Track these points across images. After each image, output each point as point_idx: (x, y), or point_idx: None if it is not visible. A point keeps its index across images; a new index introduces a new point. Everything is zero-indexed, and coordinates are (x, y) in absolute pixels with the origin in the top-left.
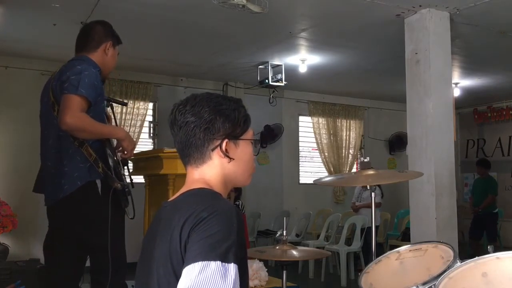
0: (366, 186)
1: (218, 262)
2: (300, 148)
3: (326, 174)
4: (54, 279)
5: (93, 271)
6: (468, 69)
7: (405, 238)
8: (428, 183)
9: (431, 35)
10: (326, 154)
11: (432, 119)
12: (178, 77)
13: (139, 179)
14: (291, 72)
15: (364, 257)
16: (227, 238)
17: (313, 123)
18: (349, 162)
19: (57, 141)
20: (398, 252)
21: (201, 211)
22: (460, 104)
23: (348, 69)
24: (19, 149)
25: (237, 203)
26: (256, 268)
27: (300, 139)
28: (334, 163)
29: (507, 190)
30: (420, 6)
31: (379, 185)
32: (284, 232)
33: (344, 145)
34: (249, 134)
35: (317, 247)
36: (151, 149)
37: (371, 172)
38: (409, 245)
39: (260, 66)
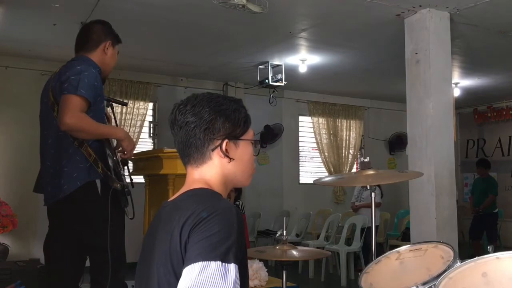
0: (366, 186)
1: (218, 262)
2: (300, 148)
3: (326, 174)
4: (54, 279)
5: (93, 271)
6: (468, 69)
7: (405, 238)
8: (428, 183)
9: (431, 35)
10: (326, 154)
11: (432, 119)
12: (178, 77)
13: (139, 179)
14: (291, 72)
15: (364, 257)
16: (227, 238)
17: (313, 123)
18: (349, 162)
19: (56, 141)
20: (398, 252)
21: (201, 211)
22: (460, 104)
23: (348, 69)
24: (19, 149)
25: (237, 203)
26: (256, 268)
27: (300, 139)
28: (334, 163)
29: (507, 190)
30: (420, 6)
31: (379, 185)
32: (284, 232)
33: (344, 145)
34: (249, 134)
35: (317, 247)
36: (151, 149)
37: (371, 172)
38: (409, 245)
39: (260, 66)
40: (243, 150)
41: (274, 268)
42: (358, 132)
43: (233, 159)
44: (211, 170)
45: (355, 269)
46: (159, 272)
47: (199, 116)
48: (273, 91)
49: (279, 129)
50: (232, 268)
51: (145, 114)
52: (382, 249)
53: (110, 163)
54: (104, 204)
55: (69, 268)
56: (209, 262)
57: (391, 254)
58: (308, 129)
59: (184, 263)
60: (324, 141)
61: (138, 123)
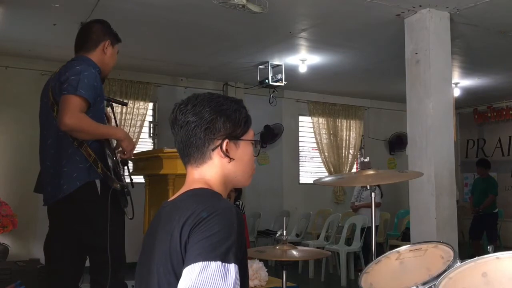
0: (366, 186)
1: (219, 262)
2: (300, 148)
3: (326, 174)
4: (54, 279)
5: (93, 271)
6: (468, 69)
7: (405, 238)
8: (428, 183)
9: (431, 35)
10: (326, 154)
11: (432, 119)
12: (178, 77)
13: (139, 179)
14: (291, 72)
15: (364, 257)
16: (227, 238)
17: (313, 123)
18: (349, 162)
19: (56, 141)
20: (398, 252)
21: (201, 211)
22: (460, 104)
23: (348, 69)
24: (19, 149)
25: (237, 203)
26: (256, 268)
27: (300, 139)
28: (334, 163)
29: (507, 190)
30: (420, 6)
31: (378, 185)
32: (284, 232)
33: (344, 145)
34: (249, 134)
35: (317, 247)
36: (151, 149)
37: (371, 172)
38: (409, 245)
39: (260, 66)
40: (244, 150)
41: (274, 268)
42: (358, 132)
43: (233, 159)
44: (211, 170)
45: (355, 269)
46: (159, 272)
47: (200, 116)
48: (273, 91)
49: (279, 129)
50: (232, 268)
51: (145, 114)
52: (382, 249)
53: (110, 163)
54: (103, 204)
55: (69, 268)
56: (209, 262)
57: (391, 254)
58: (308, 129)
59: (184, 263)
60: (324, 141)
61: (138, 123)
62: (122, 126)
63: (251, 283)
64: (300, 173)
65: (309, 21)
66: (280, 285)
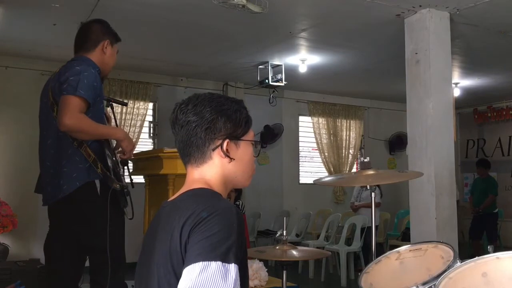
0: (366, 186)
1: (219, 262)
2: (300, 148)
3: (326, 174)
4: (53, 279)
5: (92, 271)
6: (468, 69)
7: (405, 238)
8: (428, 183)
9: (431, 35)
10: (326, 154)
11: (432, 119)
12: (178, 77)
13: (139, 179)
14: (291, 72)
15: (364, 257)
16: (227, 238)
17: (313, 123)
18: (349, 162)
19: (56, 142)
20: (398, 252)
21: (201, 211)
22: (460, 104)
23: (348, 69)
24: (19, 149)
25: (237, 203)
26: (256, 268)
27: (300, 139)
28: (334, 163)
29: (507, 190)
30: (420, 6)
31: (378, 185)
32: (284, 232)
33: (344, 145)
34: (250, 135)
35: (317, 247)
36: (151, 149)
37: (371, 172)
38: (409, 245)
39: (260, 66)
40: (244, 150)
41: (274, 268)
42: (358, 132)
43: (234, 159)
44: (212, 170)
45: (355, 269)
46: (159, 272)
47: (201, 116)
48: (273, 91)
49: (279, 129)
50: (233, 268)
51: (145, 114)
52: (382, 249)
53: (109, 164)
54: (103, 204)
55: (68, 268)
56: (209, 262)
57: (391, 254)
58: (308, 129)
59: (184, 263)
60: (324, 141)
61: (138, 123)
62: (122, 126)
63: (251, 283)
64: (300, 173)
65: (309, 21)
66: (280, 285)
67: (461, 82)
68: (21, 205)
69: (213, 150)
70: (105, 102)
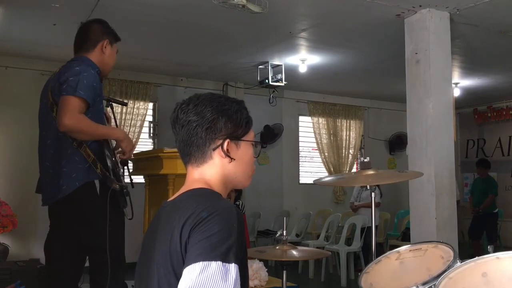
0: (366, 186)
1: (219, 262)
2: (300, 148)
3: (326, 174)
4: (53, 279)
5: (92, 271)
6: (468, 69)
7: (405, 238)
8: (428, 183)
9: (431, 35)
10: (326, 154)
11: (432, 119)
12: (178, 77)
13: (139, 179)
14: (291, 72)
15: (364, 257)
16: (227, 238)
17: (313, 123)
18: (349, 162)
19: (55, 142)
20: (398, 252)
21: (201, 211)
22: (460, 104)
23: (348, 69)
24: (19, 149)
25: (237, 203)
26: (256, 268)
27: (300, 139)
28: (334, 163)
29: (507, 190)
30: (420, 6)
31: (378, 185)
32: (284, 232)
33: (344, 145)
34: (250, 135)
35: (317, 247)
36: (151, 149)
37: (371, 172)
38: (409, 245)
39: (260, 66)
40: (244, 151)
41: (274, 268)
42: (358, 132)
43: (234, 159)
44: (212, 170)
45: (355, 269)
46: (159, 272)
47: (202, 115)
48: (273, 91)
49: (279, 129)
50: (233, 268)
51: (145, 114)
52: (382, 249)
53: (109, 164)
54: (103, 204)
55: (68, 268)
56: (209, 262)
57: (391, 254)
58: (308, 129)
59: (184, 263)
60: (324, 141)
61: (138, 123)
62: (122, 126)
63: (251, 283)
64: (300, 173)
65: (309, 21)
66: (280, 285)
67: (461, 82)
68: (21, 205)
69: (214, 150)
70: (105, 102)
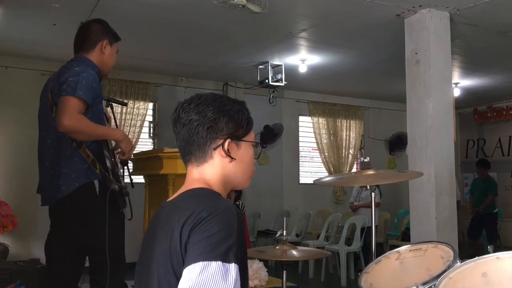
0: (366, 186)
1: (219, 262)
2: (300, 148)
3: (326, 174)
4: (53, 279)
5: (92, 271)
6: (468, 69)
7: (405, 238)
8: (428, 183)
9: (431, 35)
10: (326, 154)
11: (432, 119)
12: (178, 77)
13: (139, 179)
14: (291, 72)
15: (364, 257)
16: (227, 238)
17: (313, 123)
18: (349, 162)
19: (55, 142)
20: (398, 252)
21: (201, 211)
22: (460, 104)
23: (348, 69)
24: (19, 149)
25: (237, 203)
26: (256, 268)
27: (300, 139)
28: (334, 163)
29: (507, 190)
30: (420, 6)
31: (377, 185)
32: (284, 232)
33: (344, 145)
34: (251, 136)
35: (317, 247)
36: (151, 149)
37: (371, 172)
38: (409, 245)
39: (260, 66)
40: (244, 151)
41: (274, 268)
42: (358, 132)
43: (234, 159)
44: (212, 170)
45: (355, 269)
46: (159, 272)
47: (203, 115)
48: (273, 91)
49: (279, 129)
50: (233, 268)
51: (145, 114)
52: (382, 249)
53: (108, 164)
54: (102, 204)
55: (68, 268)
56: (209, 262)
57: (391, 254)
58: (308, 129)
59: (184, 263)
60: (324, 141)
61: (138, 123)
62: (122, 126)
63: (251, 283)
64: (300, 173)
65: (309, 21)
66: (280, 285)
67: (461, 82)
68: (21, 205)
69: (214, 149)
70: (105, 102)
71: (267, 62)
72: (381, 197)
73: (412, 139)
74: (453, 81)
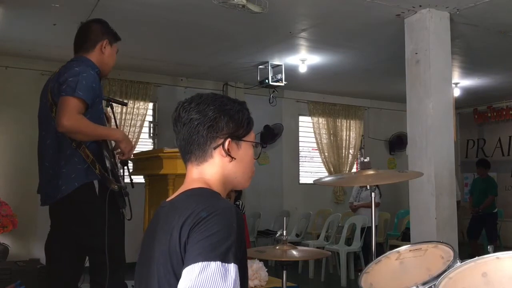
0: (366, 186)
1: (218, 263)
2: (300, 148)
3: (326, 174)
4: (53, 279)
5: (92, 271)
6: (468, 69)
7: (405, 238)
8: (428, 183)
9: (431, 35)
10: (326, 154)
11: (432, 119)
12: (178, 77)
13: (139, 179)
14: (291, 72)
15: (364, 257)
16: (226, 238)
17: (313, 123)
18: (349, 162)
19: (55, 142)
20: (398, 252)
21: (201, 211)
22: (460, 104)
23: (348, 69)
24: (19, 149)
25: (237, 203)
26: (256, 268)
27: (300, 139)
28: (334, 163)
29: (507, 190)
30: (420, 6)
31: (377, 185)
32: (284, 232)
33: (344, 145)
34: (251, 136)
35: (317, 247)
36: (151, 149)
37: (371, 172)
38: (409, 245)
39: (260, 66)
40: (245, 151)
41: (274, 268)
42: (358, 132)
43: (235, 159)
44: (212, 169)
45: (355, 269)
46: (159, 272)
47: (203, 114)
48: (273, 91)
49: (279, 129)
50: (232, 268)
51: (145, 114)
52: (382, 249)
53: (108, 165)
54: (102, 205)
55: (67, 268)
56: (209, 262)
57: (391, 254)
58: (308, 129)
59: (184, 264)
60: (324, 141)
61: (138, 123)
62: (122, 126)
63: (251, 283)
64: (300, 173)
65: (309, 21)
66: (280, 285)
67: (461, 82)
68: (21, 205)
69: (214, 148)
70: (105, 102)
71: (267, 62)
72: (380, 197)
73: (412, 139)
74: (453, 81)
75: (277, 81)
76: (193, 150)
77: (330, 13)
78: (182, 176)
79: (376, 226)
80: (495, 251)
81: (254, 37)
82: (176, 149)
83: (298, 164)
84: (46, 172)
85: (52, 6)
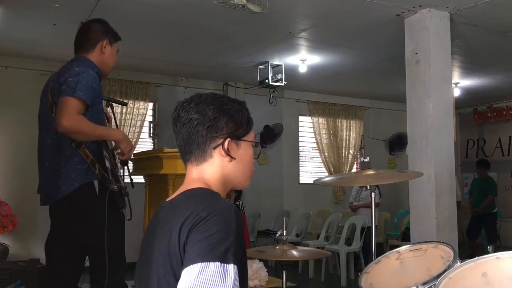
0: (366, 186)
1: (218, 263)
2: (300, 148)
3: (326, 174)
4: (53, 279)
5: (92, 271)
6: (468, 69)
7: (405, 238)
8: (428, 183)
9: (431, 35)
10: (326, 154)
11: (432, 119)
12: (178, 77)
13: (139, 179)
14: (291, 72)
15: (364, 257)
16: (226, 238)
17: (313, 123)
18: (349, 162)
19: (55, 142)
20: (398, 252)
21: (200, 211)
22: (460, 104)
23: (348, 69)
24: (19, 149)
25: (237, 203)
26: (256, 268)
27: (300, 139)
28: (334, 163)
29: (507, 190)
30: (420, 6)
31: (377, 185)
32: (284, 232)
33: (344, 145)
34: (251, 136)
35: (317, 247)
36: (151, 149)
37: (371, 172)
38: (409, 245)
39: (260, 66)
40: (244, 151)
41: (274, 268)
42: (358, 132)
43: (234, 159)
44: (211, 169)
45: (355, 269)
46: (159, 272)
47: (203, 114)
48: (273, 91)
49: (279, 129)
50: (231, 268)
51: (145, 114)
52: (382, 249)
53: (107, 165)
54: (101, 205)
55: (67, 268)
56: (208, 263)
57: (391, 254)
58: (308, 129)
59: (183, 264)
60: (324, 141)
61: (138, 123)
62: (122, 126)
63: (251, 283)
64: (300, 173)
65: (309, 21)
66: (280, 285)
67: (461, 82)
68: (21, 205)
69: (214, 148)
70: (105, 102)
71: (267, 62)
72: (380, 197)
73: (412, 139)
74: (453, 81)
75: (277, 81)
76: (192, 150)
77: (330, 13)
78: (182, 176)
79: (376, 226)
80: (495, 251)
81: (254, 37)
82: (176, 149)
83: (298, 164)
84: (46, 172)
85: (52, 6)
